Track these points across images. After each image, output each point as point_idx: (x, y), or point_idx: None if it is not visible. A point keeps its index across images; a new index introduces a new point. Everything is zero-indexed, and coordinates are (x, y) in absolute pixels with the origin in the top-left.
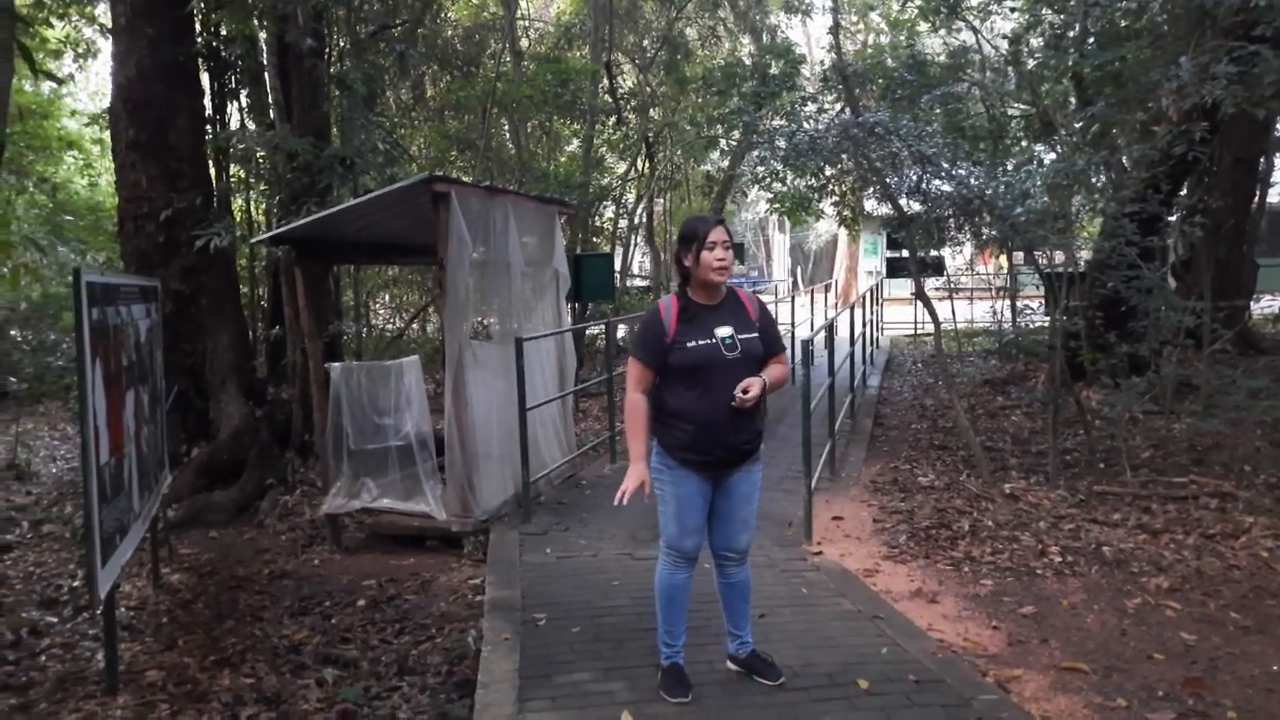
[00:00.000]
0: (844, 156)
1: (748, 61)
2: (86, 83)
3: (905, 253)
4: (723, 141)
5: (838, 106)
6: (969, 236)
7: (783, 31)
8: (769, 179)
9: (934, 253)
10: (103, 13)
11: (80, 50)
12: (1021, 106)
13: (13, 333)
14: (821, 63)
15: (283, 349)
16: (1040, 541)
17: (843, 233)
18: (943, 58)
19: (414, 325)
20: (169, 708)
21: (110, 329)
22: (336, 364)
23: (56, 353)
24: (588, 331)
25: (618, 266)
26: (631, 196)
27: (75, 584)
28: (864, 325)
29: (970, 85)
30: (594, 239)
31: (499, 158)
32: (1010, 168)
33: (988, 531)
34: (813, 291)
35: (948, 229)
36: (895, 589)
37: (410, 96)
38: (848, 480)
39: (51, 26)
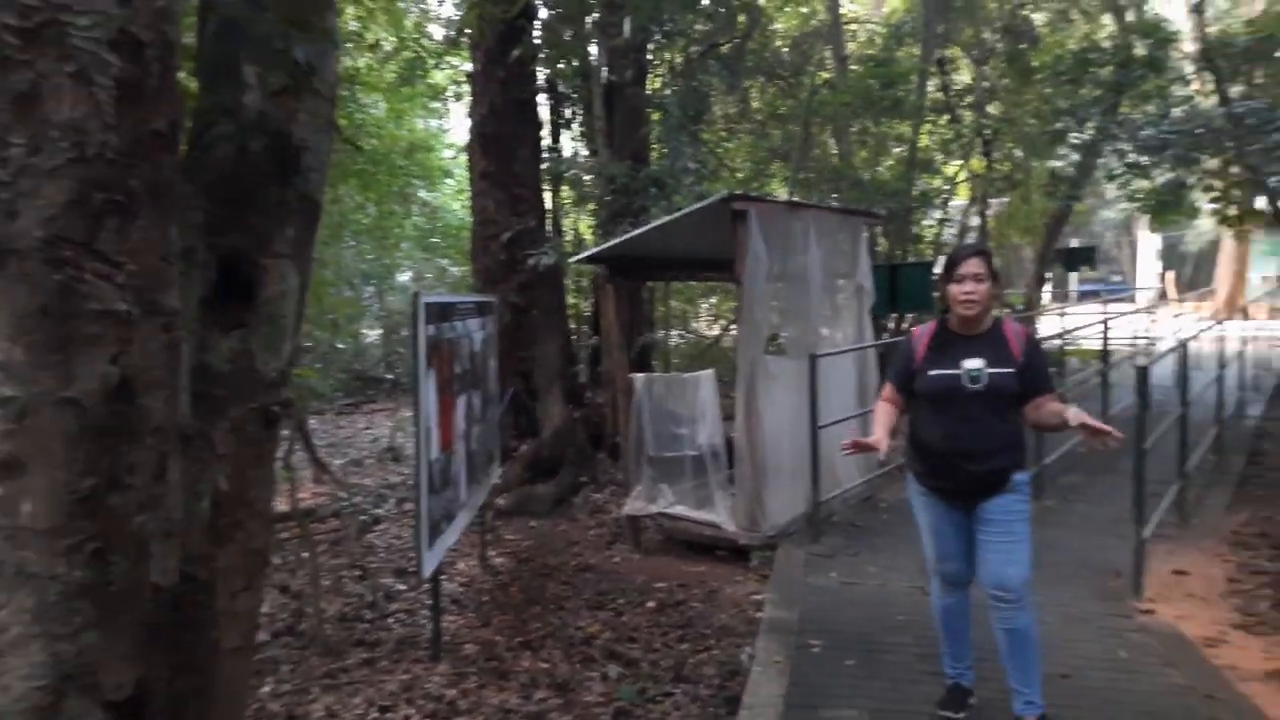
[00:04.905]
0: (1228, 146)
1: (1106, 45)
2: (463, 118)
3: None
4: (1072, 135)
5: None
6: None
7: (1151, 6)
8: (1128, 174)
9: None
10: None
11: (454, 93)
12: None
13: (404, 332)
14: (1201, 38)
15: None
16: None
17: (1227, 232)
18: None
19: (727, 334)
20: (477, 681)
21: (444, 342)
22: (639, 374)
23: None
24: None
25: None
26: (961, 200)
27: None
28: (1243, 342)
29: None
30: (915, 246)
31: (817, 166)
32: None
33: None
34: (1184, 300)
35: None
36: (1243, 666)
37: (737, 111)
38: (1200, 529)
39: (427, 74)
